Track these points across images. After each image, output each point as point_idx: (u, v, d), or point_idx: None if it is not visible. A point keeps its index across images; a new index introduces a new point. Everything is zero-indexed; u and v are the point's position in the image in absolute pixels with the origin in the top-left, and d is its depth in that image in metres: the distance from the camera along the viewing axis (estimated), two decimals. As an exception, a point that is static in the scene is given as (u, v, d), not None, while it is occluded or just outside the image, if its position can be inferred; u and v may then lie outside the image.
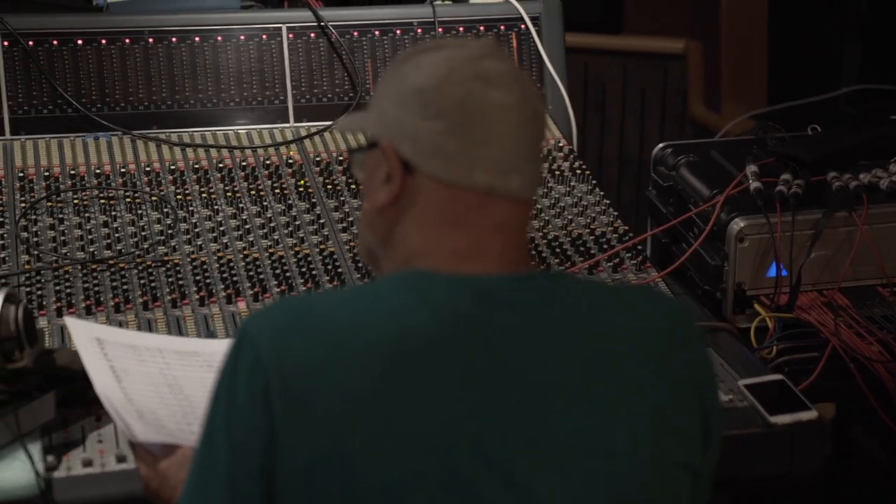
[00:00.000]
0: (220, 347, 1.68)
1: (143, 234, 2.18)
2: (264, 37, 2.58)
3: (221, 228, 2.21)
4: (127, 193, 2.29)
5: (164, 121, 2.50)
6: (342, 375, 1.25)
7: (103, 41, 2.50)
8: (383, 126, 1.38)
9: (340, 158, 2.45)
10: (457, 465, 1.25)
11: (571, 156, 2.52)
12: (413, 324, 1.28)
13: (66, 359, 1.72)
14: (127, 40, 2.51)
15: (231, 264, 2.12)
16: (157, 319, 1.98)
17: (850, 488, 2.68)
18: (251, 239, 2.19)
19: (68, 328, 1.74)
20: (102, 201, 2.27)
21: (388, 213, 1.38)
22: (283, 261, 2.13)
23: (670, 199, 2.34)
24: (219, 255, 2.14)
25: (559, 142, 2.56)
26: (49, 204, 2.24)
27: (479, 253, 1.35)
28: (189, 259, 2.12)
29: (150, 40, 2.52)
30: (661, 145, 2.44)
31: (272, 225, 2.23)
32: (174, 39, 2.53)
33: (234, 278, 2.08)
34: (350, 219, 2.26)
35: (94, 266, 2.09)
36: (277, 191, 2.34)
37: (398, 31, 2.63)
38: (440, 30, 2.63)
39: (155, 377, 1.67)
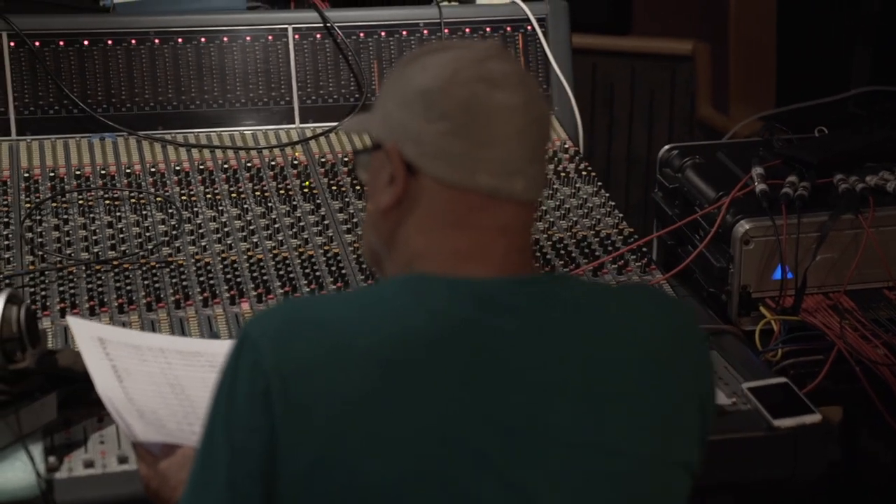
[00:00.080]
0: (222, 348, 1.68)
1: (148, 234, 2.18)
2: (270, 38, 2.58)
3: (226, 229, 2.21)
4: (132, 194, 2.29)
5: (170, 121, 2.51)
6: (342, 377, 1.25)
7: (109, 42, 2.50)
8: (387, 128, 1.38)
9: (346, 160, 2.45)
10: (457, 465, 1.25)
11: (577, 157, 2.51)
12: (413, 327, 1.28)
13: (69, 359, 1.72)
14: (133, 41, 2.52)
15: (235, 265, 2.11)
16: (161, 320, 1.98)
17: (857, 491, 2.68)
18: (255, 240, 2.19)
19: (70, 328, 1.74)
20: (107, 202, 2.27)
21: (391, 215, 1.38)
22: (287, 262, 2.13)
23: (676, 200, 2.34)
24: (223, 255, 2.14)
25: (565, 143, 2.56)
26: (54, 205, 2.24)
27: (481, 255, 1.34)
28: (193, 260, 2.12)
29: (156, 41, 2.53)
30: (667, 147, 2.44)
31: (277, 226, 2.23)
32: (180, 40, 2.54)
33: (238, 279, 2.08)
34: (355, 220, 2.26)
35: (98, 267, 2.09)
36: (282, 192, 2.34)
37: (404, 33, 2.63)
38: (446, 31, 2.63)
39: (156, 377, 1.67)
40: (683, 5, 4.00)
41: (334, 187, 2.36)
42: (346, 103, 2.59)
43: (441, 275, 1.33)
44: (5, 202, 2.25)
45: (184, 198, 2.29)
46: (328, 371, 1.25)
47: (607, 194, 2.39)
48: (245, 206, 2.29)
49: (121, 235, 2.17)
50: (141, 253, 2.13)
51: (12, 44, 2.46)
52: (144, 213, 2.25)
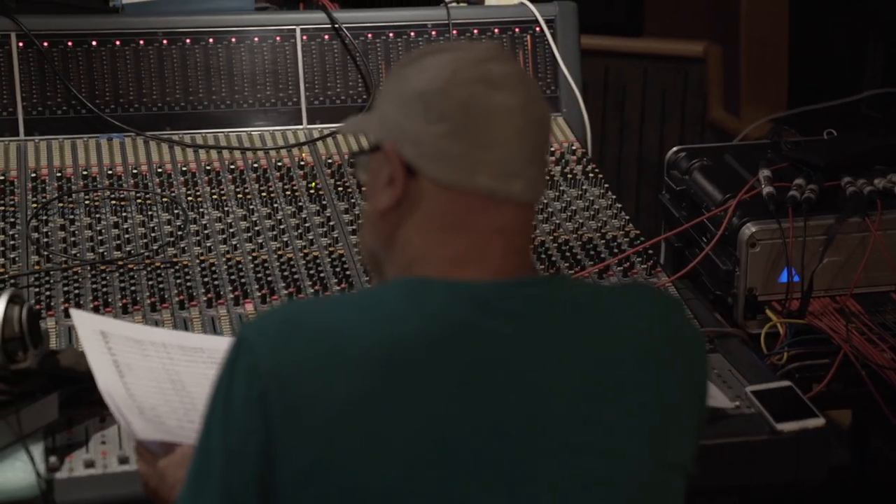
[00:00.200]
0: (224, 344, 1.67)
1: (153, 235, 2.18)
2: (278, 38, 2.57)
3: (231, 230, 2.21)
4: (138, 194, 2.29)
5: (178, 122, 2.51)
6: (339, 380, 1.25)
7: (117, 42, 2.51)
8: (386, 129, 1.37)
9: (352, 161, 2.45)
10: (454, 467, 1.24)
11: (584, 159, 2.50)
12: (411, 329, 1.28)
13: (71, 359, 1.72)
14: (141, 41, 2.52)
15: (240, 266, 2.11)
16: (165, 321, 1.98)
17: (867, 494, 2.67)
18: (260, 241, 2.19)
19: (73, 320, 1.74)
20: (113, 202, 2.27)
21: (390, 217, 1.38)
22: (292, 263, 2.13)
23: (683, 202, 2.33)
24: (227, 256, 2.14)
25: (572, 145, 2.55)
26: (60, 205, 2.25)
27: (479, 257, 1.34)
28: (198, 260, 2.12)
29: (164, 42, 2.53)
30: (674, 149, 2.43)
31: (282, 227, 2.23)
32: (188, 41, 2.54)
33: (243, 280, 2.08)
34: (360, 221, 2.26)
35: (103, 267, 2.09)
36: (288, 193, 2.34)
37: (412, 34, 2.63)
38: (454, 32, 2.62)
39: (157, 372, 1.67)
40: (695, 7, 4.00)
41: (340, 188, 2.36)
42: (353, 104, 2.59)
43: (440, 278, 1.32)
44: (12, 202, 2.25)
45: (190, 198, 2.29)
46: (325, 374, 1.25)
47: (614, 196, 2.39)
48: (251, 206, 2.29)
49: (126, 236, 2.17)
50: (146, 253, 2.13)
51: (21, 44, 2.46)
52: (150, 213, 2.25)
